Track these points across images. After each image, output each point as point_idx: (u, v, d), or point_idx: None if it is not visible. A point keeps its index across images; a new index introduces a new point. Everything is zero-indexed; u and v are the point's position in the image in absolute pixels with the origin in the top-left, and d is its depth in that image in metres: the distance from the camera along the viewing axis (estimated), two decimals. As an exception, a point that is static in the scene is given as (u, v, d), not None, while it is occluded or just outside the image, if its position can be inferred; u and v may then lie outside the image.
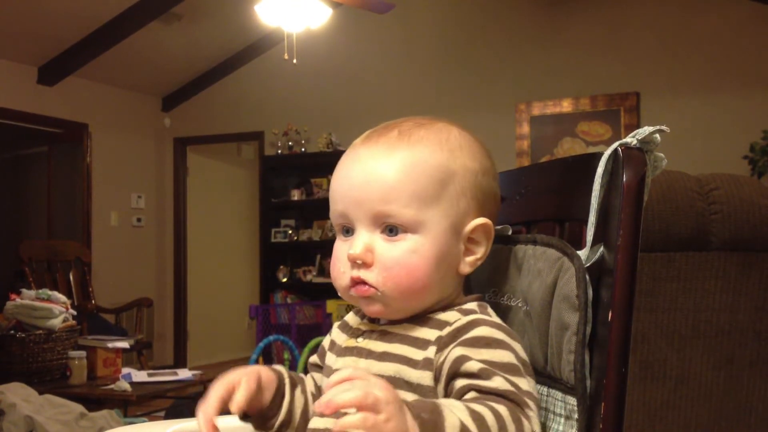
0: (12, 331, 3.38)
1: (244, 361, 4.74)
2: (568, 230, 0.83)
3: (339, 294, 0.78)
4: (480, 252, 0.77)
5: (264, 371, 0.80)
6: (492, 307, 0.83)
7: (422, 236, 0.73)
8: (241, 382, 0.74)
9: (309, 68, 5.91)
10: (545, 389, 0.74)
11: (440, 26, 6.01)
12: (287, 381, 0.82)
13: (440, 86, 5.92)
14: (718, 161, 4.77)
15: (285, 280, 6.38)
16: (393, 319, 0.77)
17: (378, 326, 0.78)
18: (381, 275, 0.73)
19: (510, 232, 0.88)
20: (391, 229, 0.73)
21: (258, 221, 6.67)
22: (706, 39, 5.21)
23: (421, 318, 0.75)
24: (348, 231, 0.76)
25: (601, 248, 0.70)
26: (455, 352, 0.69)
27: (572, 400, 0.69)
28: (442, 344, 0.70)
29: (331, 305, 5.61)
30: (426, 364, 0.70)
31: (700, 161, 4.45)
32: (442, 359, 0.70)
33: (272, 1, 4.18)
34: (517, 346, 0.70)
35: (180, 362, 6.67)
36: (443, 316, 0.75)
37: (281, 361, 5.56)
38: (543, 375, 0.75)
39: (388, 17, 5.10)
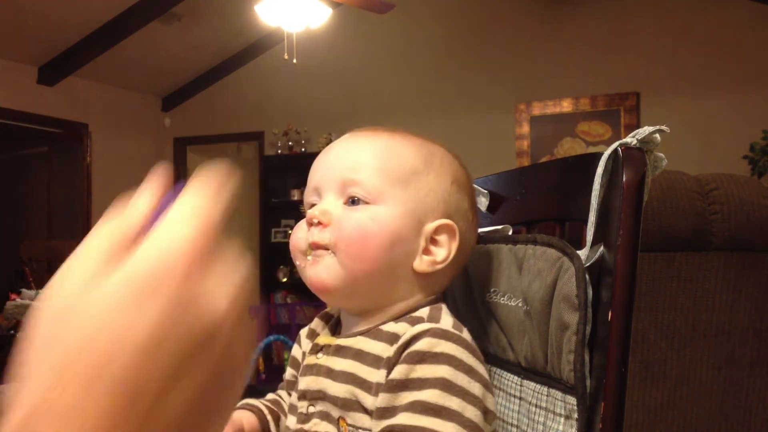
0: (12, 331, 3.38)
1: (244, 361, 4.73)
2: (568, 230, 0.83)
3: (295, 264, 0.80)
4: (440, 255, 0.76)
5: (247, 421, 0.81)
6: (491, 307, 0.83)
7: (383, 208, 0.74)
8: None
9: (309, 68, 5.91)
10: (545, 389, 0.74)
11: (440, 26, 6.01)
12: (270, 419, 0.84)
13: (440, 86, 5.92)
14: (718, 161, 4.78)
15: (285, 280, 6.38)
16: (347, 334, 0.78)
17: (335, 340, 0.78)
18: (334, 235, 0.74)
19: (510, 232, 0.88)
20: (354, 200, 0.75)
21: (258, 221, 6.67)
22: (706, 39, 5.21)
23: (373, 331, 0.75)
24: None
25: (601, 248, 0.70)
26: (384, 392, 0.68)
27: (572, 400, 0.69)
28: (390, 365, 0.70)
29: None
30: (378, 389, 0.70)
31: (700, 161, 4.45)
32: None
33: (272, 1, 4.18)
34: (462, 354, 0.68)
35: (180, 362, 6.67)
36: (394, 327, 0.74)
37: (281, 361, 5.56)
38: (543, 375, 0.75)
39: (388, 17, 5.10)
